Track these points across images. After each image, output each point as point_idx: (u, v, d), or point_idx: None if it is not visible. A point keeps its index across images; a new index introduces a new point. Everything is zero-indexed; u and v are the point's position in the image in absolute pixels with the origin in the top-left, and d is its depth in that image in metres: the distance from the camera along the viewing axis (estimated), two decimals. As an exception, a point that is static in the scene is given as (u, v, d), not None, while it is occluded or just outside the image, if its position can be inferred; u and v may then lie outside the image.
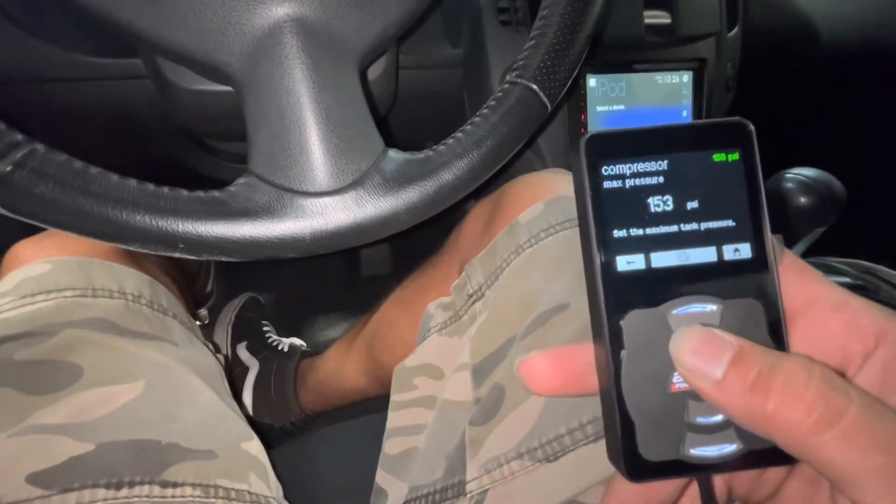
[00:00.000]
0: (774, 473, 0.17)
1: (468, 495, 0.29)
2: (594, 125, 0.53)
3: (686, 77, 0.55)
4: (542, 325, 0.31)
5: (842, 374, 0.16)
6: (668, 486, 0.17)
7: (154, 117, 0.45)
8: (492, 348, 0.33)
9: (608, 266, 0.16)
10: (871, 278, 0.46)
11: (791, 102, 0.67)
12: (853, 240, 0.50)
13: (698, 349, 0.15)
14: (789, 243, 0.42)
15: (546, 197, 0.37)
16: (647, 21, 0.51)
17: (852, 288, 0.45)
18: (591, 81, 0.52)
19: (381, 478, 0.36)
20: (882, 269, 0.46)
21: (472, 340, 0.35)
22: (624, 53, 0.52)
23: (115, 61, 0.41)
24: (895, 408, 0.14)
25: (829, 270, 0.48)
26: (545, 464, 0.28)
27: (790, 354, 0.14)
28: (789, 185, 0.39)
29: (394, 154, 0.27)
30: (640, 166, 0.16)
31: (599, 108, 0.53)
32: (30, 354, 0.30)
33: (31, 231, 0.35)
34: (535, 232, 0.35)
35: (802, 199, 0.38)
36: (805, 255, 0.45)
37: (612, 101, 0.53)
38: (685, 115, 0.56)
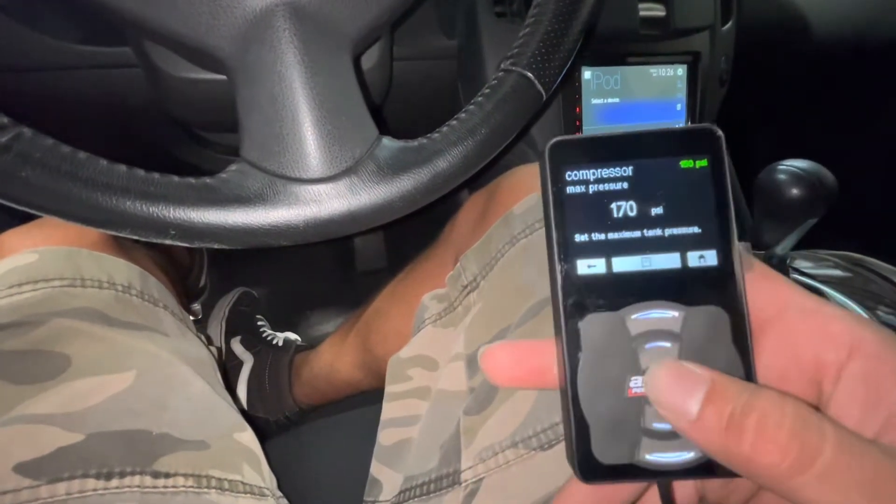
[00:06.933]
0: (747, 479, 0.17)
1: (463, 484, 0.29)
2: (589, 118, 0.53)
3: (680, 70, 0.55)
4: (535, 315, 0.31)
5: (816, 393, 0.15)
6: (622, 490, 0.17)
7: (144, 107, 0.45)
8: (486, 338, 0.33)
9: (568, 269, 0.16)
10: (861, 270, 0.47)
11: (784, 96, 0.67)
12: (844, 232, 0.51)
13: (672, 386, 0.14)
14: (780, 235, 0.42)
15: (541, 187, 0.37)
16: (641, 14, 0.51)
17: (843, 280, 0.46)
18: (586, 74, 0.52)
19: (376, 469, 0.36)
20: (872, 261, 0.47)
21: (467, 331, 0.35)
22: (618, 46, 0.52)
23: (104, 49, 0.41)
24: (880, 423, 0.14)
25: (819, 262, 0.48)
26: (539, 452, 0.28)
27: (763, 389, 0.14)
28: (781, 176, 0.39)
29: (388, 141, 0.27)
30: (605, 172, 0.16)
31: (594, 101, 0.53)
32: (17, 344, 0.29)
33: (19, 220, 0.34)
34: (529, 222, 0.35)
35: (794, 191, 0.39)
36: (796, 247, 0.45)
37: (606, 93, 0.53)
38: (679, 109, 0.56)
